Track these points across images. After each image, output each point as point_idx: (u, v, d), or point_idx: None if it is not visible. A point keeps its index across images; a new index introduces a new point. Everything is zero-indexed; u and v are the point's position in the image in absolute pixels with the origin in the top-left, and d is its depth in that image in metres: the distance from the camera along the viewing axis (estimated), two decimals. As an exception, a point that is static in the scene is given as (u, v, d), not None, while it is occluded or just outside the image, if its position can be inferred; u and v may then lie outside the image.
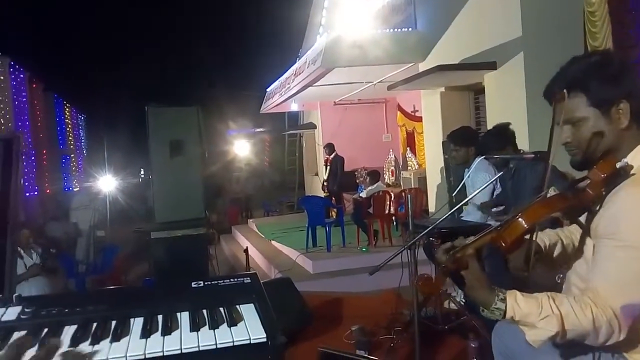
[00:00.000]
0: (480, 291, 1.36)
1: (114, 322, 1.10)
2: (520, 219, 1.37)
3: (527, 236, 1.47)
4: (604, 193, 1.37)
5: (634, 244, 1.27)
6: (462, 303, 3.91)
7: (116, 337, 1.05)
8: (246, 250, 6.83)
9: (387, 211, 7.35)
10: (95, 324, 1.10)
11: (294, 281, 4.19)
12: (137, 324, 1.10)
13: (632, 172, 1.36)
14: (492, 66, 6.12)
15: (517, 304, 1.31)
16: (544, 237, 1.66)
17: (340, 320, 4.30)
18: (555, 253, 1.67)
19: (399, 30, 8.10)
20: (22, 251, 4.75)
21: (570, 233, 1.70)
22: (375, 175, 8.97)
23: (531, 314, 1.29)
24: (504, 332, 1.85)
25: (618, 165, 1.35)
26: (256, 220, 11.35)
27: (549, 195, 1.46)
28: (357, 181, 10.97)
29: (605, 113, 1.38)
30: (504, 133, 3.50)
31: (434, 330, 3.59)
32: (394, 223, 7.67)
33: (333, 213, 8.20)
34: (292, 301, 3.70)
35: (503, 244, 1.39)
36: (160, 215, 5.14)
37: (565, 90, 1.40)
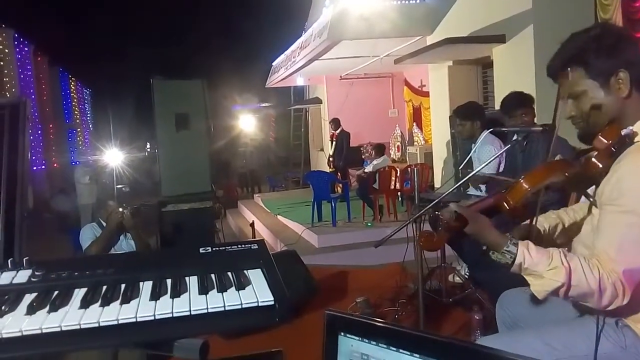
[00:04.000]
0: (491, 234, 1.39)
1: (123, 285, 1.11)
2: (522, 181, 1.40)
3: (530, 217, 1.51)
4: (610, 163, 1.37)
5: (636, 209, 1.28)
6: (467, 276, 3.93)
7: (126, 299, 1.05)
8: (252, 225, 6.89)
9: (392, 186, 7.35)
10: (105, 287, 1.11)
11: (299, 255, 4.23)
12: (146, 287, 1.11)
13: (637, 139, 1.36)
14: (501, 39, 6.03)
15: (529, 251, 1.34)
16: (544, 222, 1.69)
17: (345, 292, 4.35)
18: (557, 234, 1.69)
19: (407, 2, 7.96)
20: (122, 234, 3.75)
21: (575, 212, 1.71)
22: (381, 148, 8.95)
23: (540, 264, 1.32)
24: (508, 302, 1.87)
25: (623, 132, 1.35)
26: (262, 195, 11.39)
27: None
28: (363, 157, 10.95)
29: (604, 84, 1.39)
30: (522, 96, 3.46)
31: (438, 302, 3.62)
32: (400, 199, 7.68)
33: (339, 188, 8.22)
34: (298, 272, 3.74)
35: (506, 206, 1.42)
36: (167, 189, 5.17)
37: (567, 68, 1.42)
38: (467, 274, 3.99)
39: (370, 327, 0.91)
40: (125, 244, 3.90)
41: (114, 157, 9.70)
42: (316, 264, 5.25)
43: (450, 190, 2.76)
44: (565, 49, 1.45)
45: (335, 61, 9.32)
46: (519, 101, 3.41)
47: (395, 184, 7.41)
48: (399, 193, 7.56)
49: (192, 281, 1.11)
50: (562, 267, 1.29)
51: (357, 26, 7.43)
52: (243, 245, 1.23)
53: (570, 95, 1.45)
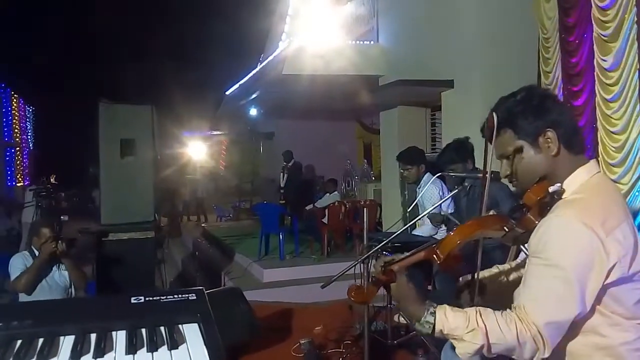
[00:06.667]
0: (409, 304, 1.37)
1: (40, 341, 0.99)
2: (452, 234, 1.40)
3: (470, 269, 1.52)
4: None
5: (559, 263, 1.30)
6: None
7: (42, 358, 0.94)
8: (195, 256, 6.67)
9: (341, 222, 7.35)
10: (19, 342, 0.99)
11: (244, 289, 4.08)
12: (67, 343, 1.00)
13: (564, 196, 1.41)
14: (449, 84, 6.23)
15: (446, 317, 1.32)
16: (486, 275, 1.71)
17: (289, 332, 4.23)
18: (500, 288, 1.71)
19: (362, 42, 8.14)
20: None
21: (518, 265, 1.74)
22: (334, 183, 8.98)
23: (458, 328, 1.30)
24: (452, 350, 1.85)
25: (551, 189, 1.40)
26: (208, 225, 11.13)
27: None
28: (314, 190, 10.96)
29: (533, 143, 1.45)
30: (463, 147, 3.56)
31: (383, 345, 3.58)
32: (348, 234, 7.68)
33: (288, 221, 8.14)
34: (241, 312, 3.58)
35: (437, 259, 1.41)
36: (107, 217, 4.93)
37: (498, 131, 1.47)
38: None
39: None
40: (58, 275, 3.66)
41: (54, 179, 9.26)
42: (261, 300, 5.11)
43: (399, 231, 2.76)
44: (496, 112, 1.50)
45: (289, 94, 9.35)
46: (453, 156, 3.51)
47: (344, 219, 7.42)
48: (347, 229, 7.57)
49: (120, 337, 1.01)
50: (478, 329, 1.29)
51: (313, 62, 7.50)
52: (180, 296, 1.14)
53: (503, 156, 1.51)
